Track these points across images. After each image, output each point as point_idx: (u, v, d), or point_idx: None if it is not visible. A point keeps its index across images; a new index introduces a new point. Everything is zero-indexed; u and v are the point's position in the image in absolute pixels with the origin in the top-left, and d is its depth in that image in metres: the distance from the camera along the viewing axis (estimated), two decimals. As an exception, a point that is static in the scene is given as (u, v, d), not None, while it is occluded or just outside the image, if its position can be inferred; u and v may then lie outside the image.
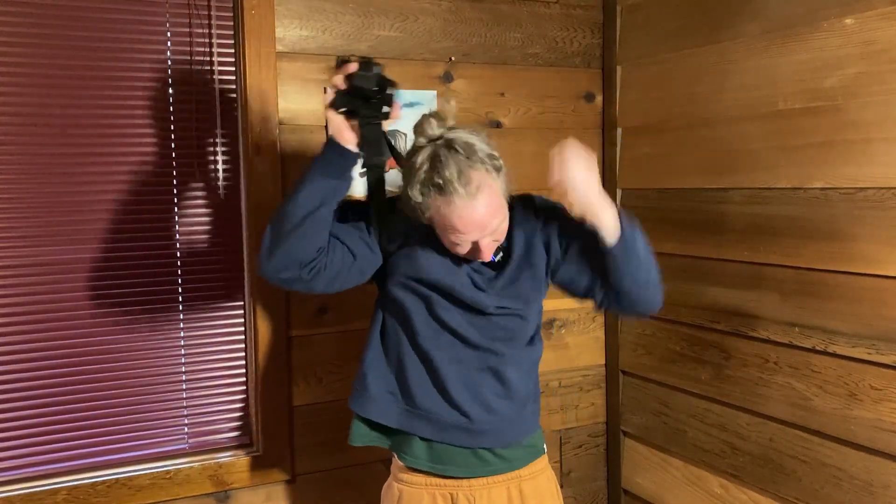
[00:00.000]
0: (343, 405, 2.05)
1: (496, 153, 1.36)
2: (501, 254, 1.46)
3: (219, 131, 1.93)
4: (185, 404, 1.94)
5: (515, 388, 1.50)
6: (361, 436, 1.56)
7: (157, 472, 1.86)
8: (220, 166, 1.94)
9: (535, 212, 1.48)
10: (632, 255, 1.37)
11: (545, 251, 1.46)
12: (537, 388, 1.59)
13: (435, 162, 1.30)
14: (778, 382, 1.84)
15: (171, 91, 1.88)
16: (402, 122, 2.05)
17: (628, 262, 1.37)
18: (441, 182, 1.28)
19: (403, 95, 2.05)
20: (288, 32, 1.94)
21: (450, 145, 1.32)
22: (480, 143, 1.34)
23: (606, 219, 1.34)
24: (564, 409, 2.37)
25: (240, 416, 2.00)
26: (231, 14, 1.92)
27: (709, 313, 2.02)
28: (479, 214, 1.30)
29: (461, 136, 1.34)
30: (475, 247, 1.36)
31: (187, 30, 1.89)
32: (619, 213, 1.36)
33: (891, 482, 1.60)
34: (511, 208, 1.41)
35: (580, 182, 1.31)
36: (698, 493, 2.09)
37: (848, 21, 1.64)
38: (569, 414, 2.38)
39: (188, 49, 1.89)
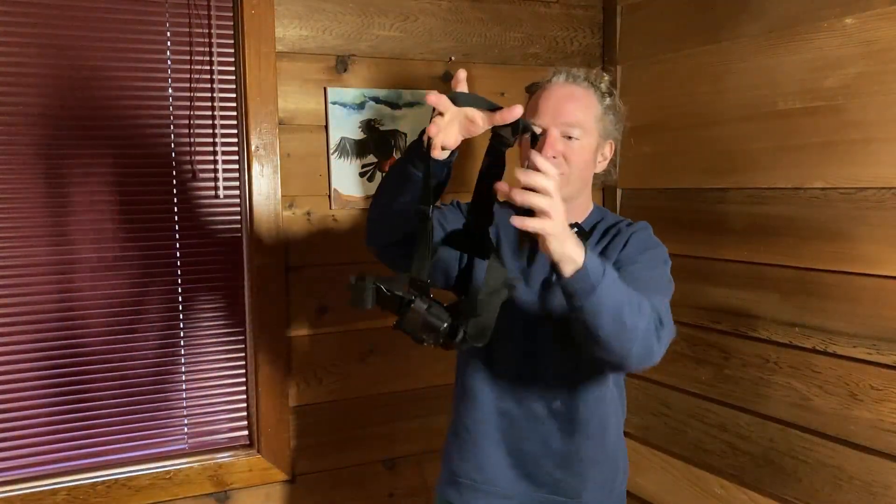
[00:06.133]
0: (343, 405, 2.06)
1: (615, 92, 1.43)
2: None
3: (218, 131, 1.93)
4: (185, 404, 1.94)
5: None
6: None
7: (157, 472, 1.86)
8: (219, 166, 1.93)
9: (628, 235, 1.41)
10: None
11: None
12: None
13: None
14: (778, 382, 1.84)
15: (170, 91, 1.88)
16: (401, 122, 2.06)
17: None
18: (549, 76, 1.39)
19: (403, 95, 2.06)
20: (288, 32, 1.94)
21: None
22: (602, 77, 1.43)
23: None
24: (564, 409, 2.37)
25: (240, 417, 2.00)
26: (231, 14, 1.92)
27: (709, 313, 2.02)
28: (563, 94, 1.35)
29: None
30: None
31: (187, 30, 1.89)
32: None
33: (891, 482, 1.60)
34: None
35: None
36: (699, 493, 2.09)
37: (848, 21, 1.64)
38: (569, 414, 2.38)
39: (188, 49, 1.89)
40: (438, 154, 1.14)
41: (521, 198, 1.04)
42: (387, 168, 2.05)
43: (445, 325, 1.10)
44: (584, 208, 1.46)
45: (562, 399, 1.41)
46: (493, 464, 1.44)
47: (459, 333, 1.10)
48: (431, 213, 1.13)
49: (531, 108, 1.39)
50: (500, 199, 1.13)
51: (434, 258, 1.36)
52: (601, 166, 1.44)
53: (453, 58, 2.14)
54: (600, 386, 1.43)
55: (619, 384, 1.50)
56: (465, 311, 1.11)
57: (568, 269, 1.08)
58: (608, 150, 1.44)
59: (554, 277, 1.23)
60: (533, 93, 1.43)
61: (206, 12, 1.90)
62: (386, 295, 1.12)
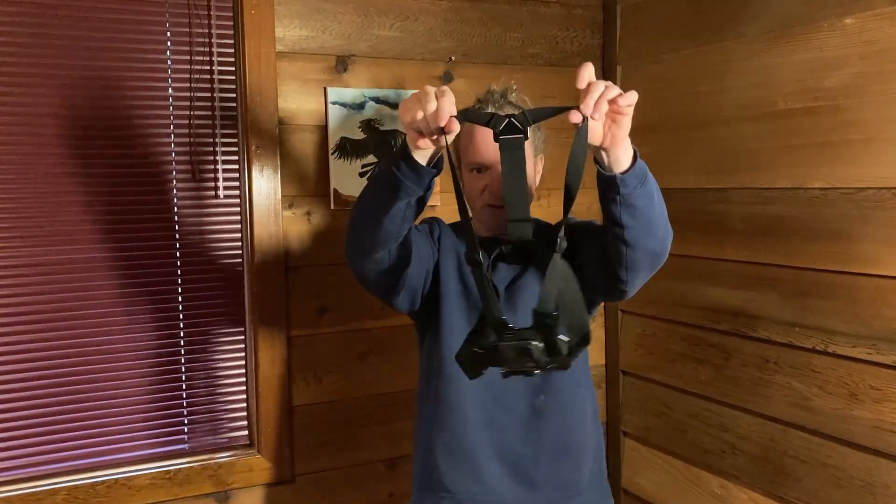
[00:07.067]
0: (343, 405, 2.06)
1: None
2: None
3: (218, 131, 1.93)
4: (185, 404, 1.94)
5: None
6: None
7: (157, 472, 1.86)
8: (219, 166, 1.94)
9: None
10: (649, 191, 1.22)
11: None
12: None
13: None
14: (778, 382, 1.84)
15: (170, 91, 1.88)
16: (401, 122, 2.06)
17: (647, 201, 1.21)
18: (479, 104, 1.42)
19: (403, 95, 2.06)
20: (288, 32, 1.94)
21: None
22: (521, 96, 1.48)
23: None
24: (564, 409, 2.37)
25: (240, 416, 2.00)
26: (231, 14, 1.92)
27: (709, 313, 2.02)
28: None
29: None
30: (491, 178, 1.40)
31: (187, 30, 1.89)
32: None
33: (891, 482, 1.60)
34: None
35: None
36: (698, 493, 2.09)
37: (848, 21, 1.64)
38: (569, 414, 2.37)
39: (188, 49, 1.89)
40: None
41: (624, 100, 1.09)
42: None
43: (534, 343, 1.03)
44: None
45: (545, 393, 1.43)
46: (492, 474, 1.43)
47: (563, 347, 1.04)
48: (483, 258, 1.09)
49: (465, 144, 1.44)
50: (589, 113, 1.06)
51: (406, 277, 1.37)
52: (537, 180, 1.53)
53: (453, 58, 2.14)
54: (573, 370, 1.44)
55: (586, 366, 1.54)
56: (546, 320, 1.04)
57: (627, 156, 1.18)
58: (540, 165, 1.54)
59: (603, 187, 1.22)
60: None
61: (206, 12, 1.90)
62: (479, 353, 1.08)
